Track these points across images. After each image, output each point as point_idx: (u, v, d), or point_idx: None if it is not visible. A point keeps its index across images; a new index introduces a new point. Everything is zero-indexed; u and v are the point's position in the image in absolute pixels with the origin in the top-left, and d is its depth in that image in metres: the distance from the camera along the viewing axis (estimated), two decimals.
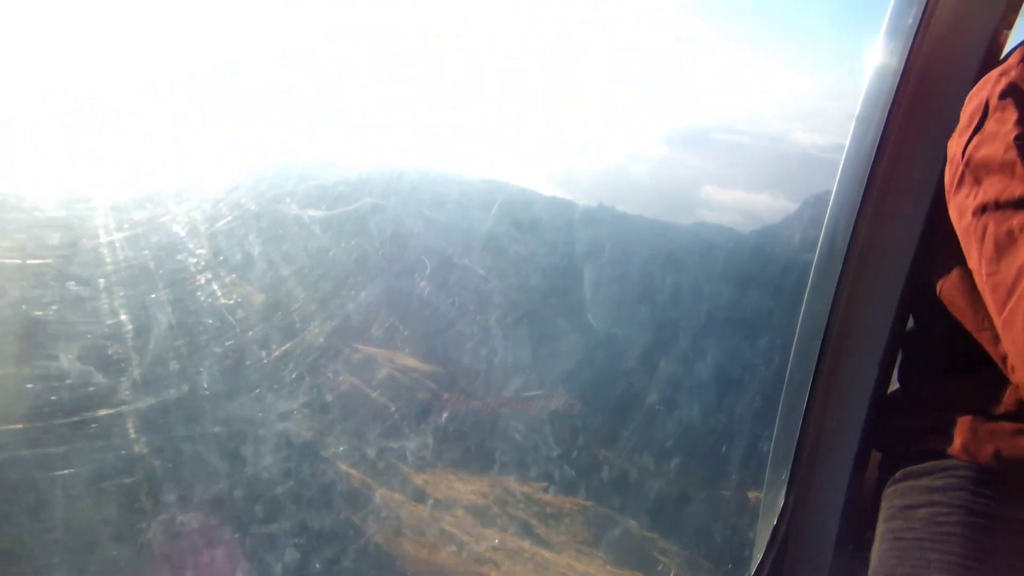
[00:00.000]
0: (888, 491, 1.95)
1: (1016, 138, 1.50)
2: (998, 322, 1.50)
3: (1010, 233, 1.46)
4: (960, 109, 1.74)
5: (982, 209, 1.55)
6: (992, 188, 1.53)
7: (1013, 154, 1.49)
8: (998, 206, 1.50)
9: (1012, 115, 1.53)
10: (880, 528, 1.92)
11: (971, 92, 1.70)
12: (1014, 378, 1.48)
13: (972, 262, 1.60)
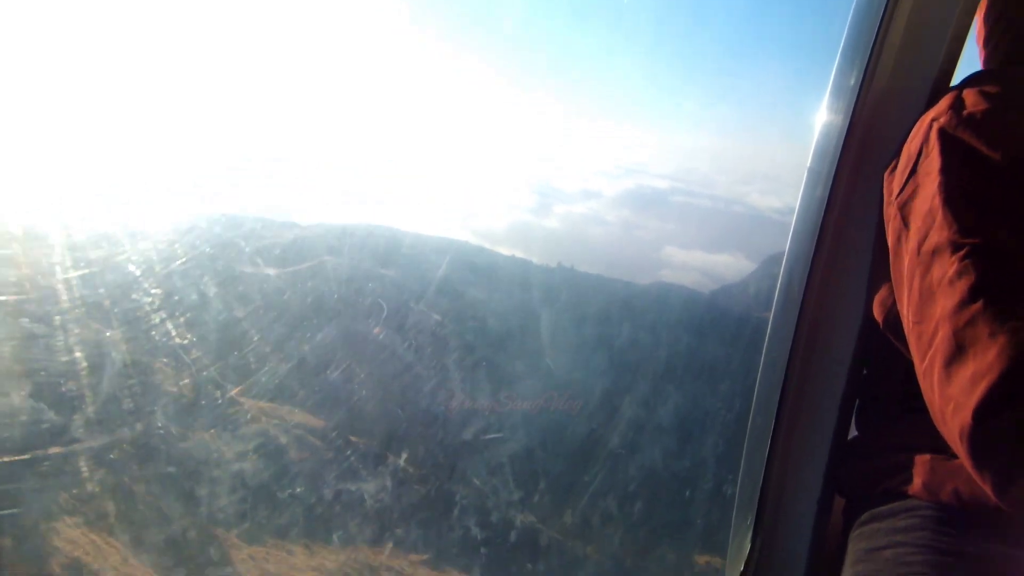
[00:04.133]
0: (854, 535, 1.97)
1: (939, 186, 1.54)
2: (919, 369, 1.53)
3: (930, 285, 1.51)
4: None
5: (909, 256, 1.60)
6: (916, 235, 1.57)
7: (937, 202, 1.53)
8: (920, 255, 1.54)
9: (937, 163, 1.58)
10: (847, 572, 1.93)
11: (911, 134, 1.76)
12: (937, 424, 1.52)
13: (902, 306, 1.65)
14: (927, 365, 1.48)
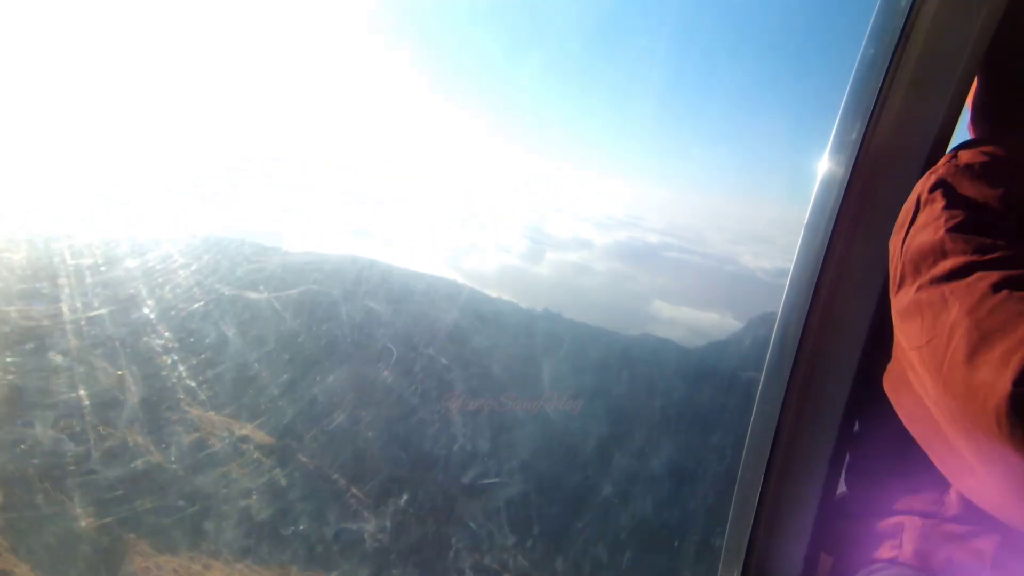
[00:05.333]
0: None
1: (944, 221, 1.57)
2: (938, 386, 1.47)
3: (943, 297, 1.49)
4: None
5: (919, 290, 1.59)
6: (927, 271, 1.58)
7: (941, 235, 1.56)
8: (932, 282, 1.54)
9: (940, 204, 1.61)
10: None
11: (910, 195, 1.77)
12: (966, 434, 1.47)
13: (913, 342, 1.59)
14: (947, 370, 1.44)
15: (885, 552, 1.87)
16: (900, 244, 1.71)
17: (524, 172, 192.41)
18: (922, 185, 1.71)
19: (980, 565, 1.52)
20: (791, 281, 2.14)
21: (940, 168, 1.69)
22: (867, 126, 1.99)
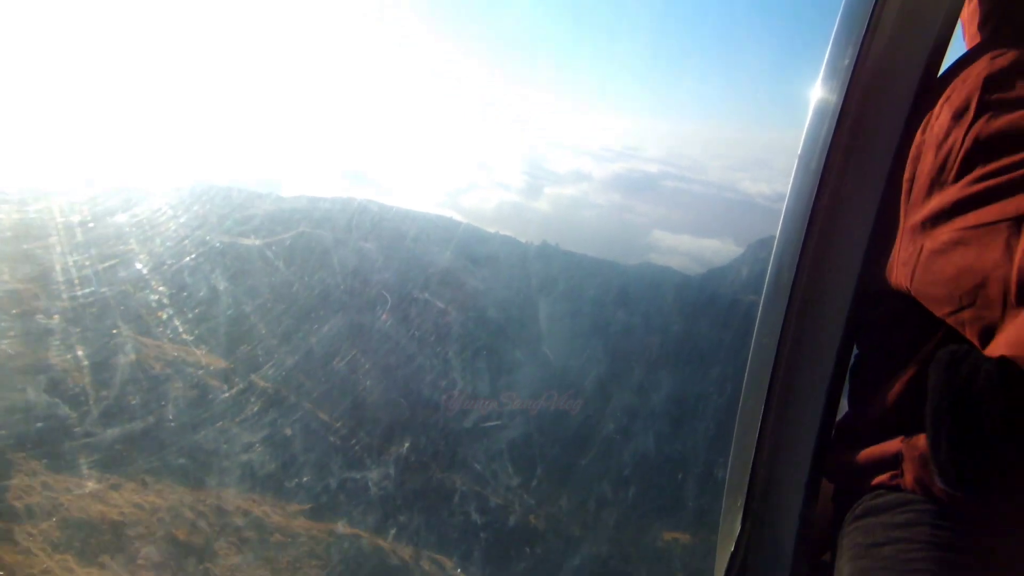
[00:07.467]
0: (850, 528, 1.94)
1: None
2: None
3: None
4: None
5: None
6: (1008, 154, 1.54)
7: None
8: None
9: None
10: (845, 566, 1.89)
11: (952, 86, 1.75)
12: None
13: (997, 252, 1.53)
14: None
15: (886, 479, 1.88)
16: (963, 133, 1.65)
17: (521, 108, 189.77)
18: (984, 68, 1.68)
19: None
20: (786, 211, 2.13)
21: (1001, 55, 1.66)
22: (859, 50, 1.97)
